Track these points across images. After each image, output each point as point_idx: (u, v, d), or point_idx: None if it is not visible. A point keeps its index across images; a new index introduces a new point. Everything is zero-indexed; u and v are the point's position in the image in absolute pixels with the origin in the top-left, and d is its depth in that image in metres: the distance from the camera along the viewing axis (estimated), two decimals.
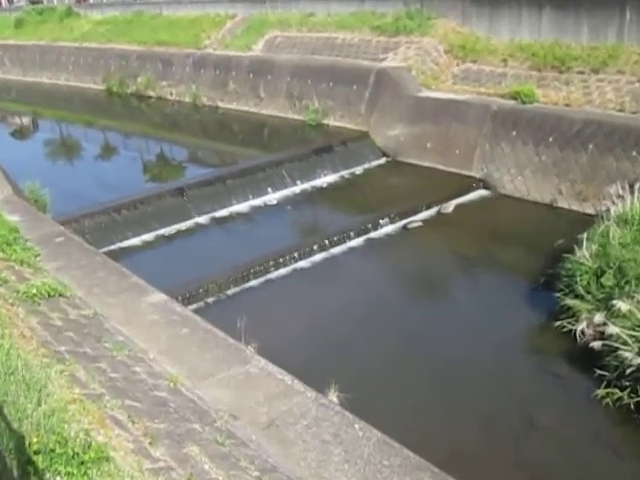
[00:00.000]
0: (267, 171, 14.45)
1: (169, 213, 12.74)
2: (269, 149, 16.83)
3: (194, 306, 9.55)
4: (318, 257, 11.21)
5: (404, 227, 12.40)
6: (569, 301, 8.35)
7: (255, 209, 13.53)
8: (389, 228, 12.33)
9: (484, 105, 14.40)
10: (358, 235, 11.93)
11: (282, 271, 10.73)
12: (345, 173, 15.41)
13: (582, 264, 8.53)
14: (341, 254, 11.38)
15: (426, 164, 15.17)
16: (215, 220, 12.99)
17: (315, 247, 11.32)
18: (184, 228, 12.59)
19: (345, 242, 11.71)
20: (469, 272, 10.67)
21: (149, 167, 17.38)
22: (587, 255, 8.59)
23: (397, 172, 15.34)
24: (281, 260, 10.84)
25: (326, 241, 11.51)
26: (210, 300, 9.91)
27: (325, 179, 15.03)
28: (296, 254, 11.04)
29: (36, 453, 3.47)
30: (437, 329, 9.00)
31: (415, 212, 12.88)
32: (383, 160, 16.11)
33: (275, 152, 15.85)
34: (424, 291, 10.20)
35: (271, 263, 10.72)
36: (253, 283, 10.37)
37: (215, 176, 14.01)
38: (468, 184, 14.00)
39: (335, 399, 6.01)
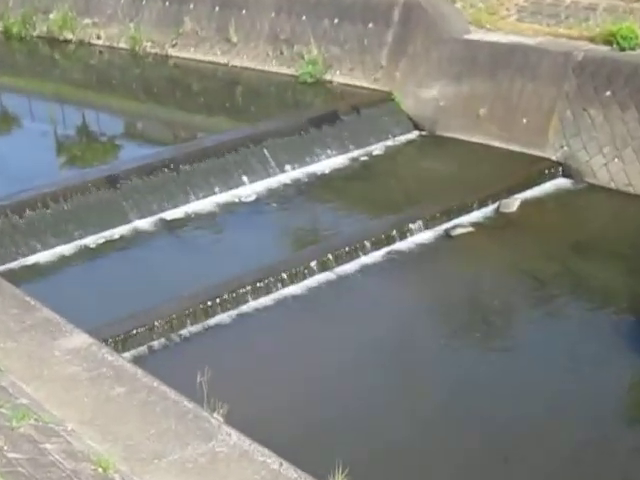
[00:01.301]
0: (241, 151, 14.48)
1: (96, 214, 12.77)
2: (244, 118, 16.88)
3: (133, 353, 9.58)
4: (317, 280, 11.22)
5: (446, 234, 12.44)
6: None
7: (224, 208, 13.54)
8: (423, 236, 12.36)
9: (564, 53, 14.49)
10: (377, 247, 11.96)
11: (264, 300, 10.75)
12: (357, 154, 15.46)
13: None
14: (351, 275, 11.40)
15: (478, 140, 15.25)
16: (164, 224, 13.01)
17: (313, 265, 11.35)
18: (117, 236, 12.62)
19: (357, 257, 11.73)
20: (543, 301, 10.70)
21: (66, 146, 17.43)
22: None
23: (435, 152, 15.37)
24: (262, 284, 10.85)
25: (329, 256, 11.53)
26: (156, 344, 9.92)
27: (327, 163, 15.08)
28: (285, 275, 11.05)
29: None
30: (494, 389, 9.03)
31: (462, 212, 12.92)
32: (414, 134, 16.17)
33: (253, 123, 15.91)
34: (476, 332, 10.24)
35: (247, 289, 10.74)
36: (221, 318, 10.39)
37: (164, 159, 14.02)
38: (540, 170, 14.08)
39: None
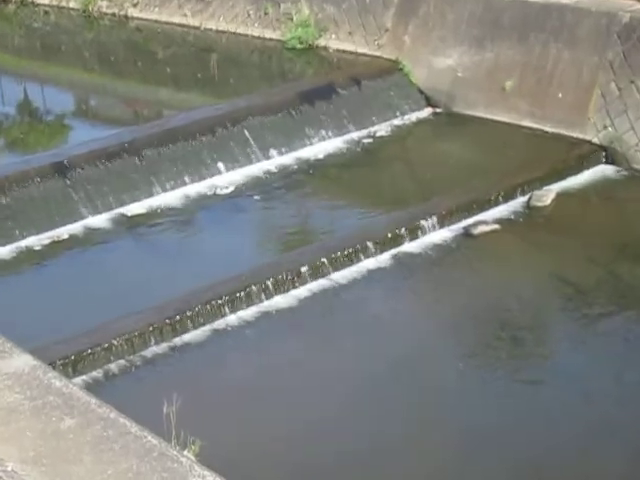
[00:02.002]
0: (217, 132, 14.51)
1: (40, 209, 12.78)
2: (220, 93, 16.96)
3: (85, 378, 9.58)
4: (309, 289, 11.24)
5: (465, 233, 12.47)
6: None
7: (195, 202, 13.57)
8: (438, 235, 12.39)
9: (608, 13, 14.50)
10: (382, 248, 12.00)
11: (244, 314, 10.77)
12: (358, 135, 15.49)
13: None
14: (350, 283, 11.40)
15: (504, 118, 15.29)
16: (123, 222, 13.03)
17: (304, 270, 11.37)
18: (67, 236, 12.62)
19: (358, 261, 11.76)
20: (583, 315, 10.72)
21: (3, 127, 17.48)
22: None
23: (452, 133, 15.39)
24: (242, 295, 10.87)
25: (323, 259, 11.55)
26: (114, 367, 9.92)
27: (322, 147, 15.10)
28: (269, 283, 11.08)
29: None
30: (525, 430, 8.95)
31: (485, 206, 12.96)
32: (427, 111, 16.21)
33: (231, 98, 15.92)
34: (501, 354, 10.24)
35: (224, 300, 10.76)
36: (191, 336, 10.40)
37: (123, 142, 14.02)
38: (579, 155, 14.12)
39: None
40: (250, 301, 10.90)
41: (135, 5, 21.28)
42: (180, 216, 13.20)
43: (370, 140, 15.36)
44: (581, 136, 14.40)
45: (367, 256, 11.84)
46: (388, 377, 9.74)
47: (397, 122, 15.86)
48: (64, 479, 5.64)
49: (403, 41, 16.90)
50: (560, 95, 14.79)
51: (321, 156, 14.84)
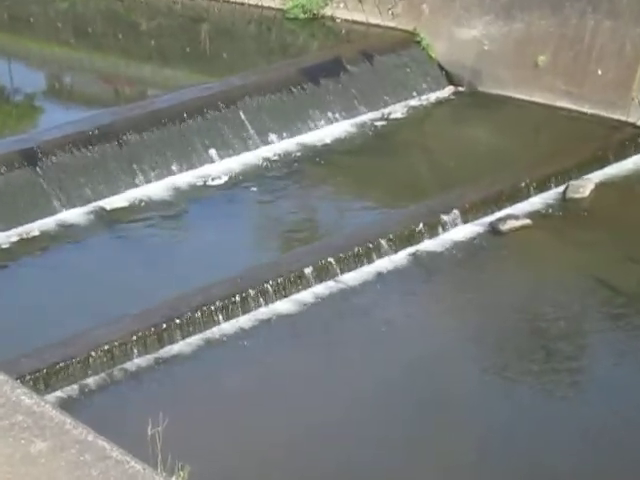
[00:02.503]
0: (209, 115, 14.55)
1: (6, 202, 12.81)
2: (212, 70, 16.97)
3: (60, 394, 9.58)
4: (313, 293, 11.28)
5: (492, 229, 12.50)
6: None
7: (184, 194, 13.60)
8: (461, 231, 12.46)
9: None
10: (397, 247, 12.03)
11: (239, 322, 10.79)
12: (370, 118, 15.51)
13: None
14: (361, 287, 11.44)
15: (536, 98, 15.34)
16: (101, 216, 13.06)
17: (308, 272, 11.40)
18: (38, 233, 12.64)
19: (370, 262, 11.81)
20: (625, 322, 10.73)
21: None
22: None
23: (477, 115, 15.45)
24: (237, 299, 10.89)
25: (330, 260, 11.60)
26: (92, 382, 9.93)
27: (328, 131, 15.15)
28: (268, 286, 11.10)
29: None
30: (561, 453, 8.92)
31: (515, 198, 13.01)
32: (448, 90, 16.28)
33: (224, 75, 15.95)
34: (533, 365, 10.24)
35: (217, 305, 10.78)
36: (180, 347, 10.42)
37: (101, 126, 14.02)
38: (621, 140, 14.14)
39: None
40: (247, 307, 10.91)
41: None
42: (167, 210, 13.23)
43: (383, 123, 15.40)
44: (623, 118, 14.43)
45: (380, 255, 11.88)
46: (405, 396, 9.76)
47: (414, 103, 15.89)
48: None
49: (421, 10, 16.91)
50: (600, 72, 14.79)
51: (328, 141, 14.90)
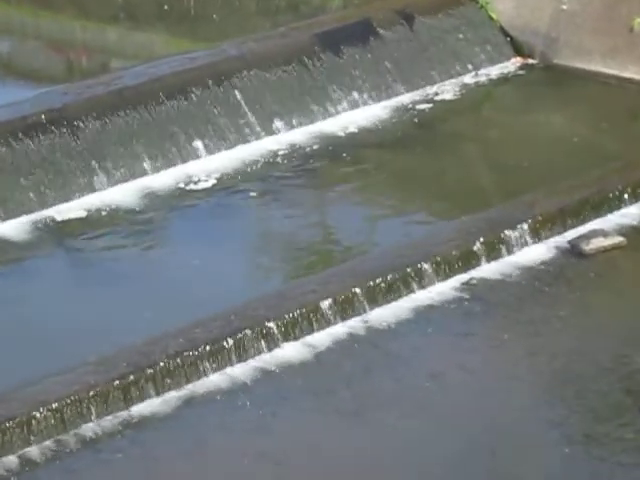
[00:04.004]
0: (193, 95, 14.66)
1: None
2: (198, 33, 17.41)
3: None
4: (332, 334, 11.31)
5: (573, 249, 12.52)
6: None
7: (159, 200, 13.72)
8: (531, 252, 12.52)
9: None
10: (444, 272, 12.09)
11: (234, 372, 10.80)
12: (410, 99, 15.74)
13: None
14: (395, 326, 11.46)
15: (632, 74, 15.63)
16: (49, 229, 13.15)
17: (325, 306, 11.41)
18: None
19: (408, 293, 11.85)
20: None
21: None
22: None
23: (552, 96, 15.67)
24: (230, 343, 10.89)
25: (355, 290, 11.61)
26: (36, 451, 9.88)
27: (353, 116, 15.33)
28: (272, 325, 11.10)
29: None
30: None
31: (603, 209, 13.09)
32: (514, 63, 16.51)
33: (214, 42, 16.28)
34: (627, 433, 10.08)
35: (203, 350, 10.77)
36: (153, 406, 10.40)
37: (51, 109, 14.10)
38: None
39: None
40: (243, 353, 10.91)
41: None
42: (136, 223, 13.33)
43: (428, 107, 15.59)
44: None
45: (422, 285, 11.91)
46: (457, 475, 9.69)
47: (469, 80, 16.09)
48: None
49: None
50: None
51: (353, 131, 15.05)
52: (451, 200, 13.29)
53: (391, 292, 11.70)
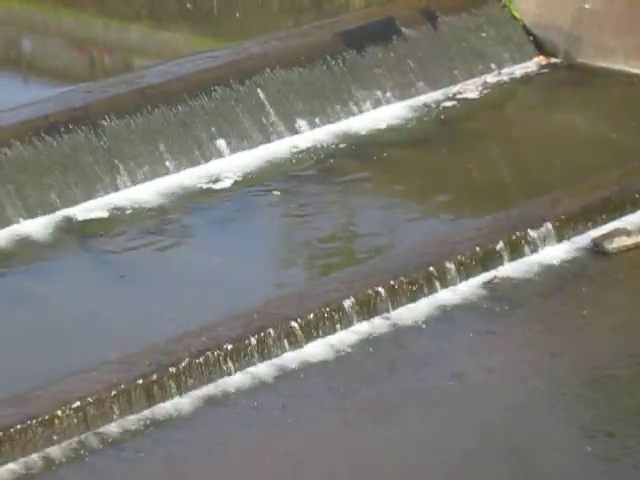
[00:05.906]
0: (216, 92, 14.69)
1: None
2: (220, 32, 17.45)
3: (12, 467, 9.51)
4: (355, 333, 11.31)
5: (596, 248, 12.54)
6: None
7: (182, 199, 13.74)
8: (554, 251, 12.55)
9: None
10: (467, 272, 12.12)
11: (257, 371, 10.79)
12: (432, 98, 15.75)
13: None
14: (418, 326, 11.47)
15: None
16: (69, 229, 13.19)
17: (348, 305, 11.41)
18: None
19: (431, 292, 11.87)
20: None
21: None
22: None
23: (575, 96, 15.65)
24: (253, 341, 10.89)
25: (378, 289, 11.61)
26: (57, 451, 9.86)
27: (376, 115, 15.33)
28: (295, 325, 11.10)
29: None
30: None
31: (627, 208, 13.11)
32: (537, 62, 16.54)
33: (237, 40, 16.27)
34: None
35: (226, 349, 10.76)
36: (176, 405, 10.40)
37: (70, 109, 14.11)
38: None
39: None
40: (266, 351, 10.92)
41: None
42: (159, 222, 13.33)
43: (451, 105, 15.55)
44: None
45: (445, 284, 11.93)
46: (479, 474, 9.67)
47: (491, 78, 16.04)
48: None
49: None
50: None
51: (375, 129, 14.95)
52: (474, 199, 13.30)
53: (414, 291, 11.71)
